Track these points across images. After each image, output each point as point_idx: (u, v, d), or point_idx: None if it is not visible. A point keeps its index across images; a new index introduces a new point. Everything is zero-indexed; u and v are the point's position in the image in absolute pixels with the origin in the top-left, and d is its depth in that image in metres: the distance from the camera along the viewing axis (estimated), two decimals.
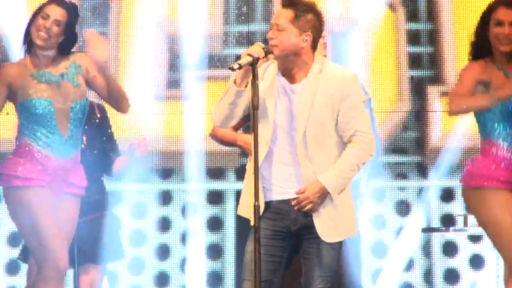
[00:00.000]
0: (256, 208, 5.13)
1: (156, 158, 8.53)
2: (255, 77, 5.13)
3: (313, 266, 5.39)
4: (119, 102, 6.09)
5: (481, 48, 5.85)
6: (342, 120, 5.35)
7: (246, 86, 5.22)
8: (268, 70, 5.38)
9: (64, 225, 5.95)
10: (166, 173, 8.69)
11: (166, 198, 8.67)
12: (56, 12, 5.92)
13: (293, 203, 5.30)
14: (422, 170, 8.71)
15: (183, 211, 8.60)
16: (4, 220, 8.09)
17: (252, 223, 5.26)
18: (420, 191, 8.70)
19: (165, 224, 8.64)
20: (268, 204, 5.27)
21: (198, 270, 8.55)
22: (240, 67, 5.10)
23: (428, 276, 8.69)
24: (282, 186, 5.30)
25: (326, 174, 5.32)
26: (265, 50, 5.20)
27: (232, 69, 5.12)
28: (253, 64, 5.12)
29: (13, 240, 8.47)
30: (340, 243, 5.49)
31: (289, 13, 5.32)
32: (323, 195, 5.31)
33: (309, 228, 5.33)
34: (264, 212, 5.24)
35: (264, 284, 5.22)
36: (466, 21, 8.89)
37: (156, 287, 8.70)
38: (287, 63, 5.37)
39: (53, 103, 5.83)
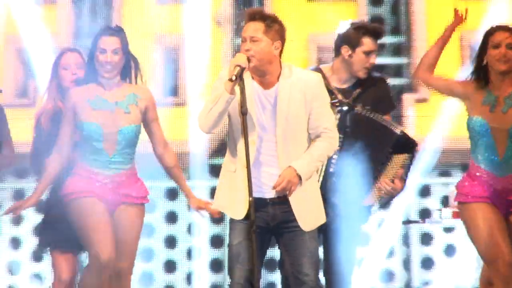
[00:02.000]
0: (251, 203, 5.23)
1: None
2: (242, 84, 5.35)
3: (301, 256, 5.50)
4: (165, 155, 6.42)
5: (481, 70, 5.98)
6: (312, 118, 5.54)
7: (233, 92, 5.36)
8: (246, 80, 5.46)
9: (127, 232, 6.16)
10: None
11: (172, 194, 8.80)
12: (110, 43, 6.08)
13: (273, 186, 5.40)
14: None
15: (189, 205, 8.16)
16: (4, 222, 8.07)
17: (238, 217, 5.43)
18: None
19: (172, 217, 8.86)
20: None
21: (202, 257, 8.75)
22: (237, 78, 5.24)
23: (407, 263, 8.85)
24: (260, 186, 5.45)
25: (298, 161, 5.48)
26: (248, 61, 5.39)
27: (231, 81, 5.24)
28: (242, 73, 5.32)
29: (14, 243, 8.48)
30: (316, 231, 5.62)
31: (260, 25, 5.47)
32: (297, 177, 5.45)
33: (288, 222, 5.49)
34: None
35: (253, 280, 5.38)
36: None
37: (165, 273, 8.84)
38: (261, 71, 5.50)
39: (101, 127, 6.04)
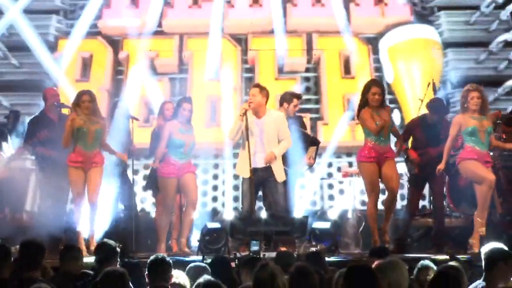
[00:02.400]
0: (252, 170, 5.32)
1: (212, 150, 8.19)
2: (246, 117, 5.36)
3: (276, 196, 5.47)
4: None
5: (365, 105, 5.56)
6: (280, 133, 5.53)
7: (243, 120, 5.35)
8: (248, 114, 5.42)
9: (192, 185, 5.89)
10: (216, 156, 8.36)
11: (216, 165, 8.40)
12: (187, 106, 5.89)
13: (264, 160, 5.41)
14: (320, 154, 7.64)
15: (223, 171, 8.35)
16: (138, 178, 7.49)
17: (246, 176, 5.41)
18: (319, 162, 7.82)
19: (215, 176, 8.38)
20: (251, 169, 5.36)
21: (228, 195, 8.22)
22: (244, 114, 5.35)
23: (321, 197, 8.28)
24: (255, 162, 5.39)
25: (275, 149, 5.44)
26: (249, 106, 5.43)
27: (241, 115, 5.36)
28: (247, 111, 5.39)
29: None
30: (283, 184, 5.58)
31: (257, 89, 5.51)
32: (275, 156, 5.44)
33: (268, 178, 5.48)
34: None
35: (252, 207, 5.33)
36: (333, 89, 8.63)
37: (211, 203, 8.32)
38: (256, 111, 5.50)
39: (185, 141, 5.85)
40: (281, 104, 6.10)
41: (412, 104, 8.08)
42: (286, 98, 6.12)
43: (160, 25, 8.87)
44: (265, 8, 9.00)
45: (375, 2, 9.01)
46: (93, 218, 5.56)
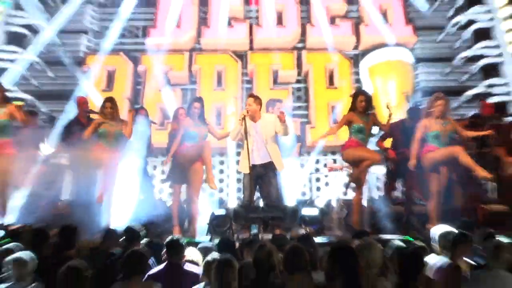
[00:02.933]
0: (251, 167, 5.24)
1: (218, 149, 8.05)
2: (245, 121, 5.25)
3: (270, 187, 5.35)
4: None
5: (354, 107, 5.57)
6: (277, 128, 5.38)
7: (242, 124, 5.26)
8: (246, 119, 5.32)
9: (197, 176, 5.70)
10: (221, 154, 8.33)
11: (221, 162, 8.43)
12: (197, 104, 5.78)
13: (280, 114, 5.19)
14: (309, 152, 8.24)
15: (228, 166, 8.35)
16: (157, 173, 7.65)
17: (246, 172, 5.31)
18: (307, 159, 8.27)
19: (222, 171, 8.41)
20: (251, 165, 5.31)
21: (232, 187, 8.19)
22: (243, 119, 5.26)
23: (310, 189, 8.29)
24: (254, 159, 5.36)
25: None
26: (247, 112, 5.37)
27: (240, 120, 5.26)
28: (245, 116, 5.29)
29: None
30: (277, 176, 5.43)
31: (252, 99, 5.45)
32: (285, 115, 5.23)
33: (266, 173, 5.38)
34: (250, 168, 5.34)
35: (252, 197, 5.29)
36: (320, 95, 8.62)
37: (218, 193, 8.03)
38: (253, 116, 5.45)
39: (198, 133, 5.71)
40: (266, 110, 6.09)
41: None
42: (270, 103, 6.15)
43: (198, 42, 9.09)
44: (287, 28, 9.07)
45: (381, 23, 9.13)
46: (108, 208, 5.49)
